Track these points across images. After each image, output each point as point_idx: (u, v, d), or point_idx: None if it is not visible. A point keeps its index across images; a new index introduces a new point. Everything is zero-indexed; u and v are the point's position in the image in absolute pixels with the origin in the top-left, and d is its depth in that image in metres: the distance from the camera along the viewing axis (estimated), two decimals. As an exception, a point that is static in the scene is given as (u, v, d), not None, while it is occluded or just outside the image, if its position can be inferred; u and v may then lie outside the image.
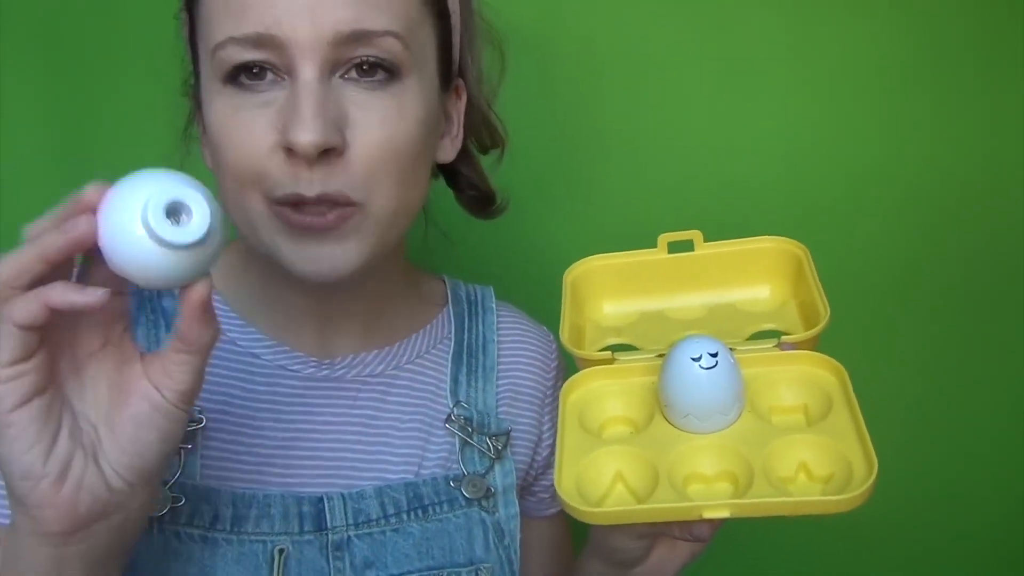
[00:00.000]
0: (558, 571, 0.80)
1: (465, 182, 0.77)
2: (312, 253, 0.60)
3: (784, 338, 0.67)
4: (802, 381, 0.65)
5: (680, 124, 1.01)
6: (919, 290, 1.04)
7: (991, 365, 1.06)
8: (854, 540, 1.07)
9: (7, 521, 0.54)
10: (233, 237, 0.69)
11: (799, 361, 0.66)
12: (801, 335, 0.66)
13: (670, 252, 0.74)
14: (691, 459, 0.61)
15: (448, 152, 0.71)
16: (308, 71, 0.58)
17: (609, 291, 0.76)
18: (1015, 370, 1.05)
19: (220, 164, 0.61)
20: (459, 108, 0.72)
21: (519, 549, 0.71)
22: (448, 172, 0.77)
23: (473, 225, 0.81)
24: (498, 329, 0.78)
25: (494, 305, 0.80)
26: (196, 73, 0.65)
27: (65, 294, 0.44)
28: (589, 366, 0.69)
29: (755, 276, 0.74)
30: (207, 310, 0.48)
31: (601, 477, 0.62)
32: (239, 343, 0.68)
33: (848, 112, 1.00)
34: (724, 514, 0.55)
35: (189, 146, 0.71)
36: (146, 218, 0.44)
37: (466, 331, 0.77)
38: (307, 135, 0.56)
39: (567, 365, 0.79)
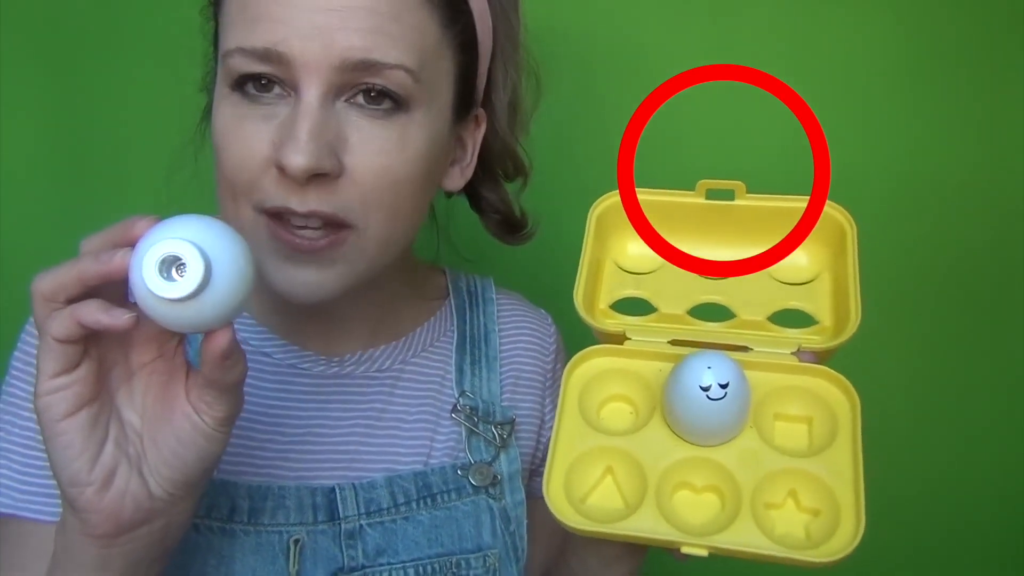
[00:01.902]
0: (559, 546, 0.82)
1: (488, 206, 0.76)
2: (292, 275, 0.60)
3: (804, 345, 0.63)
4: (813, 396, 0.62)
5: (681, 123, 0.97)
6: (917, 290, 1.01)
7: (991, 365, 1.02)
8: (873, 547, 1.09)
9: (56, 519, 0.59)
10: None
11: (815, 375, 0.63)
12: (822, 344, 0.63)
13: (708, 199, 0.68)
14: (682, 470, 0.61)
15: (456, 181, 0.70)
16: (311, 92, 0.57)
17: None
18: (1015, 370, 1.01)
19: (217, 169, 0.61)
20: (476, 137, 0.70)
21: (525, 535, 0.73)
22: (471, 195, 0.76)
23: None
24: (498, 318, 0.79)
25: (494, 295, 0.80)
26: (215, 72, 0.64)
27: (94, 314, 0.46)
28: (601, 334, 0.67)
29: (793, 239, 0.69)
30: (228, 356, 0.48)
31: (592, 470, 0.62)
32: (251, 342, 0.69)
33: (847, 112, 0.97)
34: (702, 553, 0.56)
35: (204, 141, 0.70)
36: (140, 270, 0.45)
37: (468, 323, 0.77)
38: (298, 158, 0.55)
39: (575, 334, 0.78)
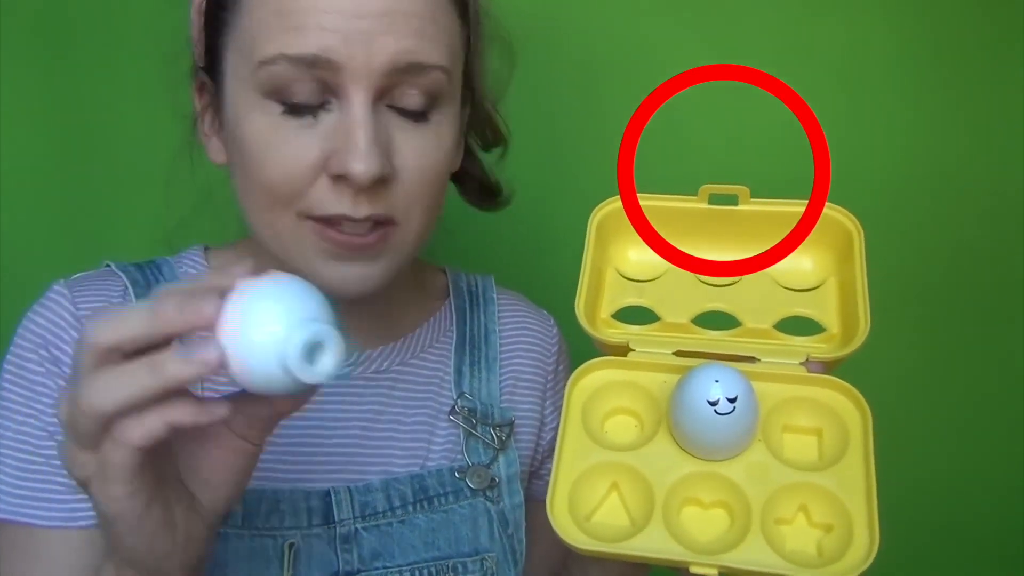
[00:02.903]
0: (562, 553, 0.81)
1: (466, 176, 0.75)
2: (344, 271, 0.61)
3: (812, 354, 0.62)
4: (822, 407, 0.61)
5: (680, 123, 0.96)
6: (920, 295, 1.01)
7: (998, 369, 1.02)
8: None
9: (50, 524, 0.60)
10: (239, 236, 0.70)
11: (824, 385, 0.61)
12: (831, 354, 0.61)
13: (711, 204, 0.66)
14: (690, 485, 0.59)
15: (457, 160, 0.69)
16: (360, 98, 0.57)
17: (638, 237, 0.69)
18: (1015, 370, 1.01)
19: (253, 179, 0.60)
20: (465, 116, 0.69)
21: (523, 538, 0.72)
22: None
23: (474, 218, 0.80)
24: (499, 318, 0.77)
25: (495, 295, 0.79)
26: (215, 71, 0.62)
27: (191, 415, 0.43)
28: (603, 345, 0.65)
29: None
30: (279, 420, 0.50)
31: (597, 486, 0.61)
32: None
33: (849, 112, 0.97)
34: (712, 572, 0.55)
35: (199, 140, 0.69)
36: (284, 354, 0.43)
37: (468, 323, 0.76)
38: (364, 166, 0.56)
39: (571, 348, 0.79)
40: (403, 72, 0.58)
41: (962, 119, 0.97)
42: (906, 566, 1.06)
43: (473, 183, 0.77)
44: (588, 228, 0.67)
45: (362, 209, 0.58)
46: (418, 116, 0.60)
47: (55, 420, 0.62)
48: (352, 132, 0.56)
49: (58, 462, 0.60)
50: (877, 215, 0.95)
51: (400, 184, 0.60)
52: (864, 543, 0.54)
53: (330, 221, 0.59)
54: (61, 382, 0.63)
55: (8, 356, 0.65)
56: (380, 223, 0.60)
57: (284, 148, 0.58)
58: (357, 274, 0.61)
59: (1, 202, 1.02)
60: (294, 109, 0.58)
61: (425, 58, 0.58)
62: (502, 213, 0.79)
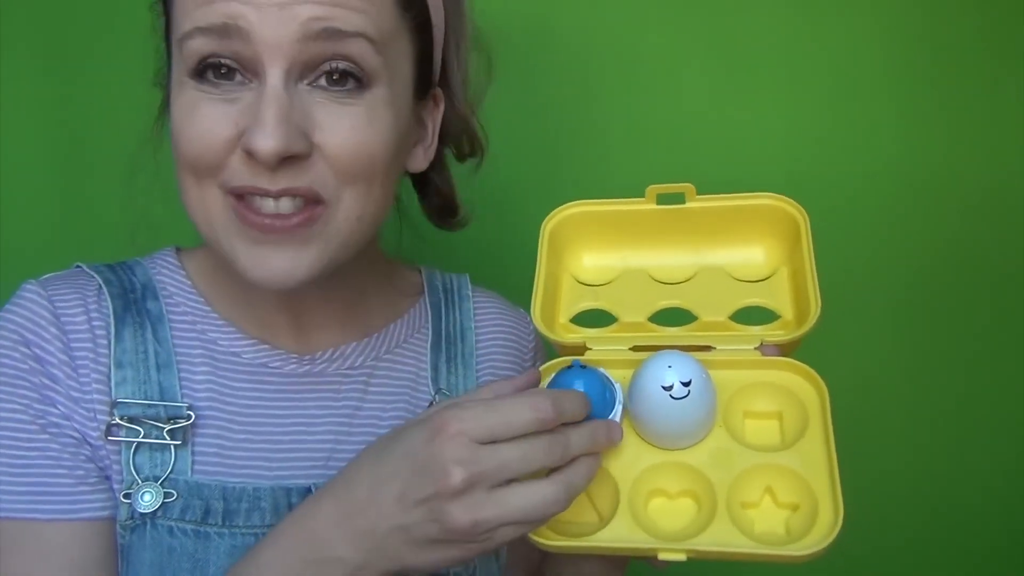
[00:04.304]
0: (539, 557, 0.80)
1: (433, 190, 0.76)
2: (267, 258, 0.59)
3: (766, 339, 0.62)
4: (780, 389, 0.61)
5: (679, 122, 0.98)
6: (884, 280, 1.02)
7: (991, 365, 1.03)
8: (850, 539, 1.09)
9: (104, 513, 0.60)
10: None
11: (780, 368, 0.62)
12: (785, 336, 0.62)
13: (659, 204, 0.68)
14: (655, 476, 0.59)
15: (420, 161, 0.69)
16: (275, 73, 0.57)
17: (590, 242, 0.71)
18: (1014, 370, 1.02)
19: (177, 155, 0.60)
20: (436, 117, 0.70)
21: None
22: (417, 177, 0.75)
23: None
24: (475, 316, 0.77)
25: (470, 292, 0.79)
26: (168, 66, 0.63)
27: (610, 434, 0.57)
28: (562, 347, 0.65)
29: (748, 236, 0.69)
30: None
31: None
32: (220, 343, 0.68)
33: (845, 111, 0.97)
34: (680, 557, 0.54)
35: (163, 138, 0.68)
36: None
37: (443, 320, 0.76)
38: (268, 141, 0.55)
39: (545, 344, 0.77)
40: (319, 39, 0.57)
41: (948, 118, 0.98)
42: (885, 558, 1.06)
43: (435, 196, 0.76)
44: (540, 236, 0.69)
45: (280, 181, 0.57)
46: (345, 93, 0.59)
47: (43, 411, 0.61)
48: (261, 108, 0.56)
49: (54, 455, 0.60)
50: (865, 212, 0.99)
51: (324, 160, 0.58)
52: (829, 518, 0.54)
53: (248, 196, 0.58)
54: (45, 379, 0.62)
55: None
56: (305, 203, 0.59)
57: (201, 121, 0.58)
58: (282, 263, 0.59)
59: (1, 202, 1.02)
60: (215, 86, 0.58)
61: (342, 24, 0.57)
62: (483, 216, 0.79)
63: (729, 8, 0.97)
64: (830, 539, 0.53)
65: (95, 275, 0.67)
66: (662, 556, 0.55)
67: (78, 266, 0.69)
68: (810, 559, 0.53)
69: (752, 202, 0.67)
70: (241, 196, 0.59)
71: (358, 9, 0.58)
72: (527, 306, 0.66)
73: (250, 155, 0.56)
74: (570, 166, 0.99)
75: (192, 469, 0.63)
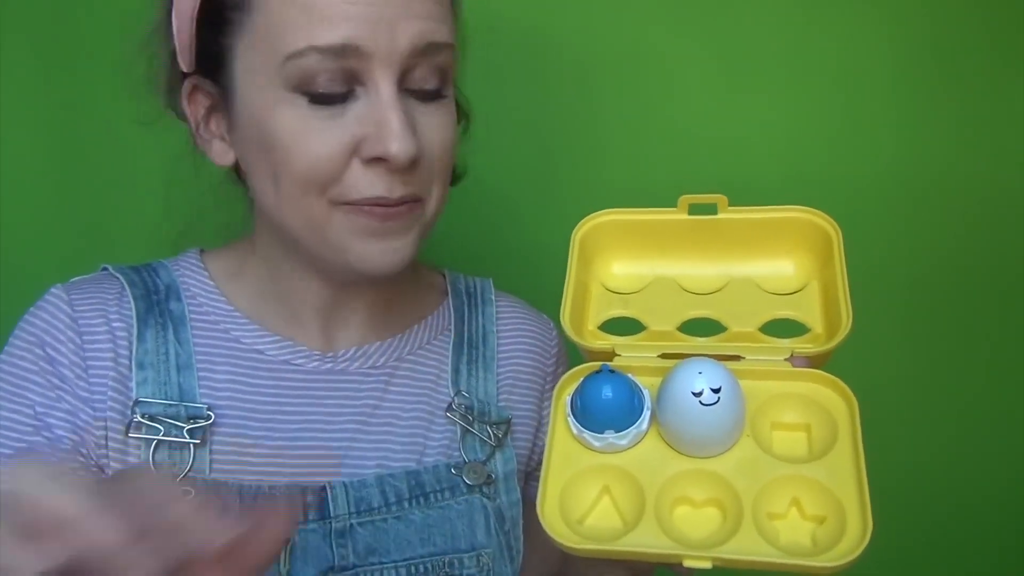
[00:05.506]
0: (559, 559, 0.81)
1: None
2: (381, 248, 0.64)
3: (797, 351, 0.63)
4: (809, 401, 0.61)
5: (679, 121, 0.98)
6: (909, 289, 1.02)
7: (997, 368, 1.03)
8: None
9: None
10: (231, 237, 0.73)
11: (810, 379, 0.62)
12: (815, 349, 0.62)
13: (691, 214, 0.68)
14: (681, 484, 0.59)
15: None
16: (387, 83, 0.60)
17: (621, 251, 0.71)
18: (1014, 371, 1.03)
19: (284, 172, 0.62)
20: None
21: (521, 535, 0.73)
22: None
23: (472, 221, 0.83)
24: (497, 319, 0.78)
25: (493, 296, 0.80)
26: (217, 73, 0.64)
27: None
28: (590, 353, 0.66)
29: (779, 249, 0.69)
30: None
31: (588, 490, 0.61)
32: (243, 340, 0.69)
33: (845, 111, 0.98)
34: (706, 565, 0.55)
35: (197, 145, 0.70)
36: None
37: (466, 323, 0.77)
38: (402, 146, 0.59)
39: (570, 349, 0.78)
40: (422, 54, 0.61)
41: (953, 121, 0.98)
42: (901, 564, 1.05)
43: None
44: (571, 244, 0.69)
45: (397, 190, 0.62)
46: (434, 95, 0.63)
47: (45, 412, 0.63)
48: (385, 116, 0.60)
49: (50, 456, 0.61)
50: (870, 215, 0.99)
51: (427, 163, 0.63)
52: (857, 530, 0.54)
53: (365, 204, 0.62)
54: (55, 379, 0.64)
55: (2, 355, 0.66)
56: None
57: (315, 138, 0.60)
58: (394, 248, 0.64)
59: (1, 202, 1.03)
60: (321, 99, 0.60)
61: (440, 37, 0.62)
62: (498, 222, 0.81)
63: (733, 10, 0.98)
64: (858, 552, 0.53)
65: (119, 276, 0.68)
66: (687, 563, 0.55)
67: (104, 268, 0.70)
68: (835, 571, 0.53)
69: (784, 215, 0.67)
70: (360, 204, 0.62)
71: (444, 19, 0.63)
72: (552, 313, 0.67)
73: (372, 163, 0.60)
74: (607, 169, 1.00)
75: (210, 468, 0.65)
